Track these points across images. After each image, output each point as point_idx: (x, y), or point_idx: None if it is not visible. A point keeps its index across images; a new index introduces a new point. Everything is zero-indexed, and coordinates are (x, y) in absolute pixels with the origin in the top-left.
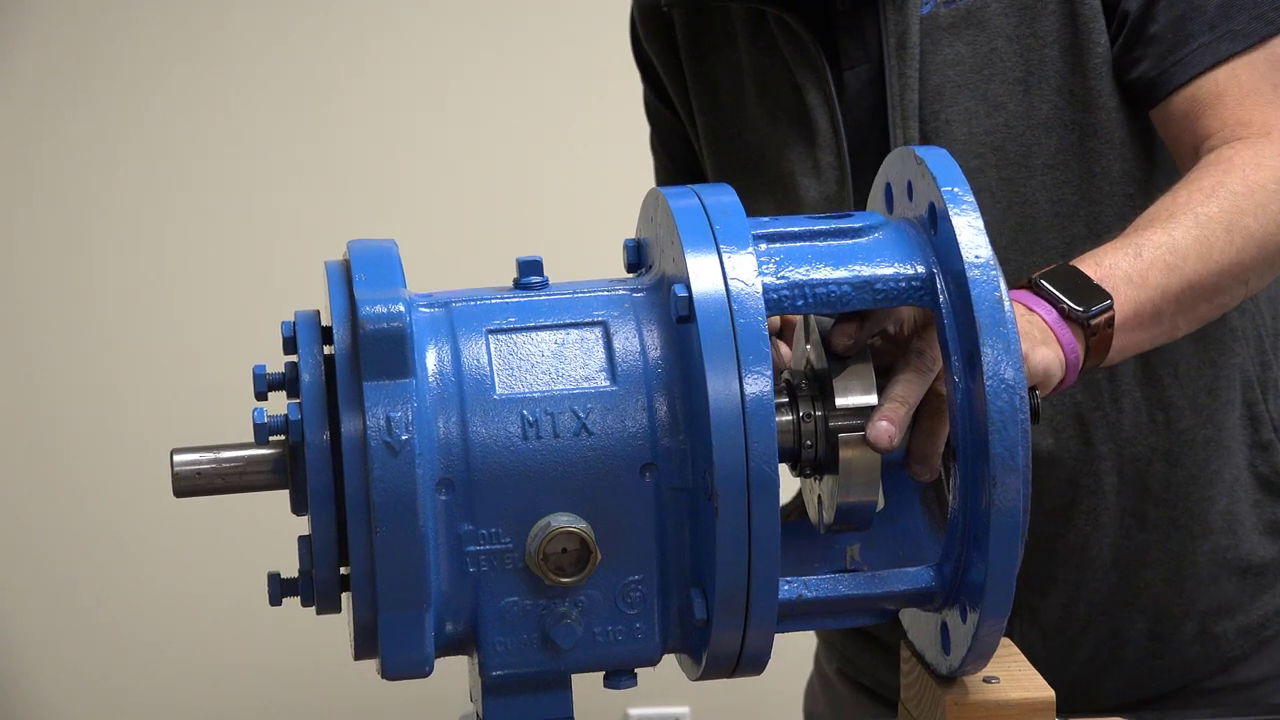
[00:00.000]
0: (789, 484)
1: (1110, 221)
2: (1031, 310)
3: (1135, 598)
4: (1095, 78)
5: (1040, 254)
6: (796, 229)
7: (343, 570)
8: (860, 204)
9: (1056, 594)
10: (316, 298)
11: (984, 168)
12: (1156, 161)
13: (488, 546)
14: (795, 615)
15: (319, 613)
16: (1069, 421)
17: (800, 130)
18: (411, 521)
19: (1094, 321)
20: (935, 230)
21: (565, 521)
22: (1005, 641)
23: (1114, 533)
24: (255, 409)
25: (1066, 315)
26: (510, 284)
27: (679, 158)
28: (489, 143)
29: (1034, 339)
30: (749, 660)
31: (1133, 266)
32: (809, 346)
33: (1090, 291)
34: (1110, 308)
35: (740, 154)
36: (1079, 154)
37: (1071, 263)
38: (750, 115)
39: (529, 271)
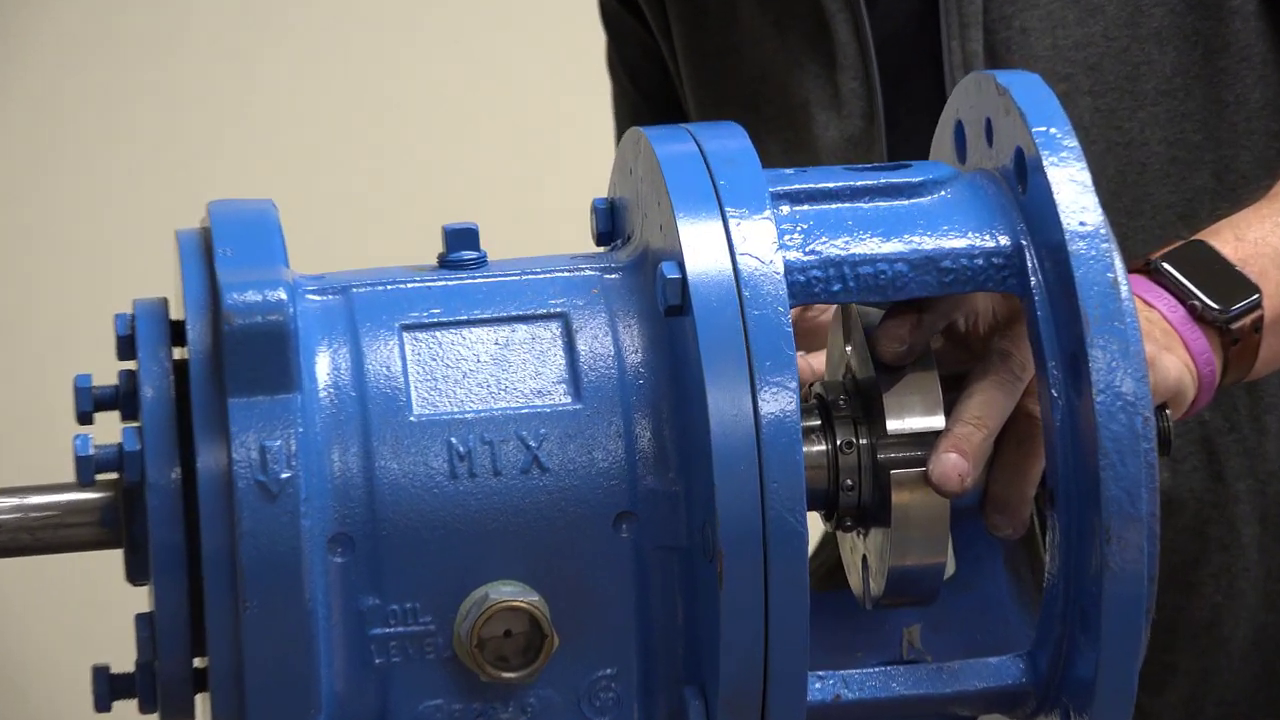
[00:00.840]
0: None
1: (1247, 169)
2: (1149, 305)
3: None
4: None
5: (1150, 215)
6: (832, 185)
7: (197, 662)
8: (895, 147)
9: (1176, 690)
10: (164, 282)
11: (1074, 94)
12: None
13: (401, 628)
14: None
15: None
16: (1193, 449)
17: (816, 46)
18: (294, 593)
19: (1236, 325)
20: (1024, 187)
21: (509, 593)
22: None
23: (1255, 604)
24: (76, 436)
25: (1199, 316)
26: (434, 262)
27: (647, 83)
28: (398, 74)
29: (1156, 341)
30: None
31: None
32: (849, 349)
33: (1230, 280)
34: (1258, 304)
35: (733, 79)
36: (1204, 76)
37: (1200, 236)
38: (747, 25)
39: (460, 244)
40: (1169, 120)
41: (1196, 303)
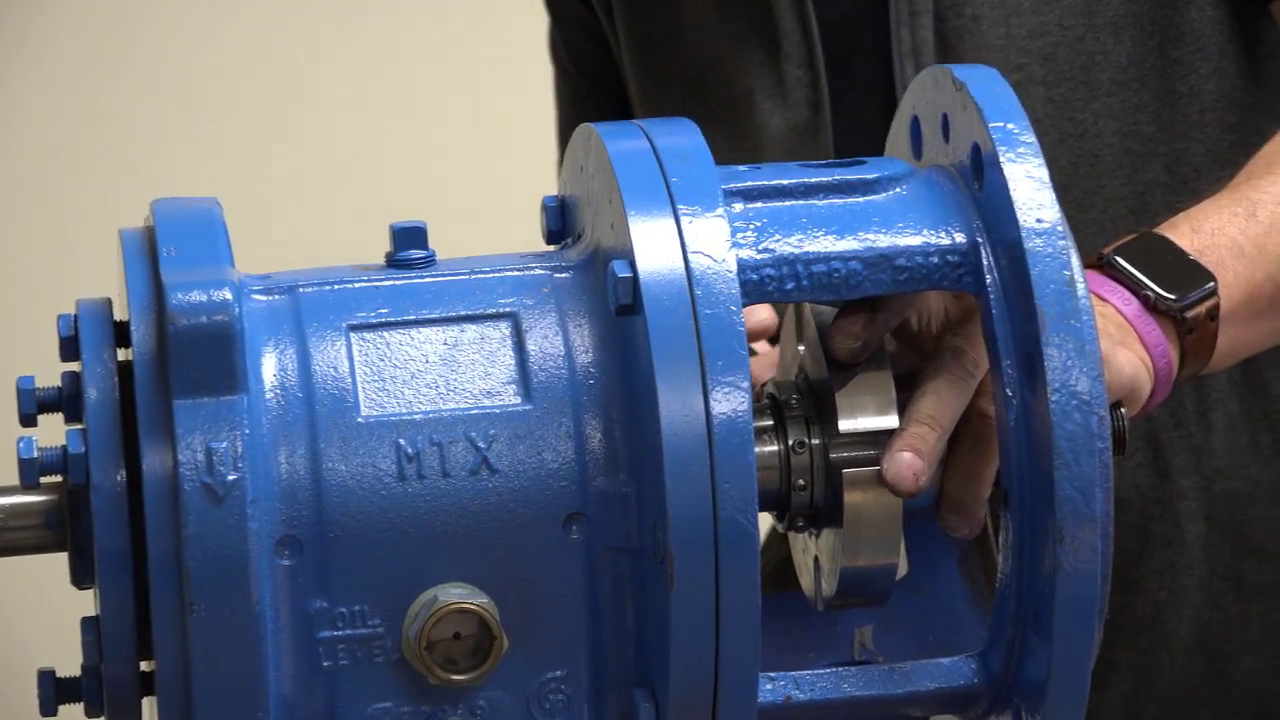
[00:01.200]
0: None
1: (1200, 163)
2: (1103, 299)
3: (1228, 692)
4: None
5: (1102, 207)
6: (786, 182)
7: (144, 666)
8: (842, 136)
9: (1118, 687)
10: (108, 282)
11: (1027, 84)
12: (1266, 80)
13: (349, 631)
14: None
15: None
16: (1139, 445)
17: (760, 32)
18: (241, 596)
19: (1191, 313)
20: (980, 184)
21: (458, 595)
22: None
23: (1199, 601)
24: (20, 439)
25: (1152, 306)
26: (381, 261)
27: (590, 66)
28: (350, 72)
29: (1110, 337)
30: None
31: (1244, 232)
32: (802, 348)
33: (1184, 270)
34: (1213, 292)
35: (677, 65)
36: (1159, 67)
37: (1157, 229)
38: (691, 10)
39: (408, 242)
40: (1123, 112)
41: (1150, 293)
